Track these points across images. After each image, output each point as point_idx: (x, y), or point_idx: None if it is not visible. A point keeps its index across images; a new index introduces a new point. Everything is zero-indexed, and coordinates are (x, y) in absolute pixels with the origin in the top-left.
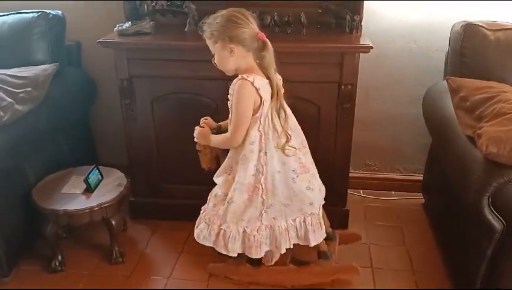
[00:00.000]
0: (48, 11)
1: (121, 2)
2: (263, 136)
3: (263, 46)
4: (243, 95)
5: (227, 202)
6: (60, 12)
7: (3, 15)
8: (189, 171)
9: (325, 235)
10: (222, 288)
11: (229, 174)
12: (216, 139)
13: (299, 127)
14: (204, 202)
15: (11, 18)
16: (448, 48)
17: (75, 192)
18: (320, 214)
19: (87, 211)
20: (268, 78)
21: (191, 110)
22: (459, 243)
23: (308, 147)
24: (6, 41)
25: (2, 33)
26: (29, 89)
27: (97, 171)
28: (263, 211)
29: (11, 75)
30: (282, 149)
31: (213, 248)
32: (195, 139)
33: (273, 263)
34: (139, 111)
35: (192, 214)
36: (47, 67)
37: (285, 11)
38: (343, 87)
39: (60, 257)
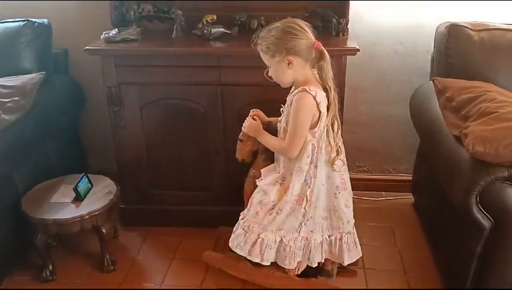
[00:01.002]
0: (33, 20)
1: (107, 9)
2: (316, 149)
3: (321, 56)
4: (303, 107)
5: (276, 212)
6: (46, 20)
7: None
8: (179, 177)
9: (360, 255)
10: None
11: (281, 184)
12: (269, 139)
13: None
14: (195, 207)
15: None
16: (434, 49)
17: (65, 201)
18: (355, 233)
19: (77, 219)
20: (325, 89)
21: (179, 115)
22: (449, 241)
23: (347, 164)
24: None
25: None
26: (17, 98)
27: (86, 179)
28: (303, 223)
29: None
30: (332, 163)
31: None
32: (243, 129)
33: (299, 273)
34: (127, 118)
35: (183, 220)
36: (34, 76)
37: (272, 16)
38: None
39: (50, 267)
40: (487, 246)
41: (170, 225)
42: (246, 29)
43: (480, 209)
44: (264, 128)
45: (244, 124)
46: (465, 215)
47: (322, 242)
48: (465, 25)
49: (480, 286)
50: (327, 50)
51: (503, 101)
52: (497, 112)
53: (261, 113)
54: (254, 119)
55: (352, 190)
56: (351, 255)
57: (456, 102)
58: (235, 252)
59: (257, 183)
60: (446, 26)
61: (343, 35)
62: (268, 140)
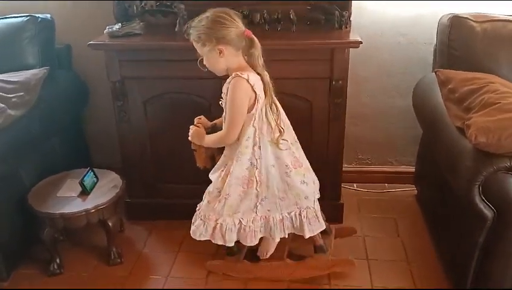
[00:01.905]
0: (36, 15)
1: (110, 3)
2: (257, 131)
3: (251, 44)
4: (238, 92)
5: (224, 198)
6: (49, 15)
7: None
8: (183, 170)
9: (323, 227)
10: (220, 288)
11: (223, 170)
12: (210, 139)
13: (289, 122)
14: (200, 200)
15: (0, 23)
16: (436, 41)
17: (71, 195)
18: (317, 207)
19: (83, 213)
20: (258, 74)
21: (183, 109)
22: (451, 232)
23: (299, 142)
24: None
25: None
26: (21, 93)
27: (92, 173)
28: (258, 203)
29: (2, 80)
30: (276, 143)
31: (211, 245)
32: (189, 139)
33: (267, 257)
34: (131, 112)
35: (188, 213)
36: (38, 71)
37: (274, 9)
38: (334, 82)
39: (58, 260)
40: (490, 236)
41: (175, 218)
42: (249, 23)
43: (483, 200)
44: (208, 133)
45: (189, 134)
46: (467, 206)
47: (282, 219)
48: (468, 16)
49: (483, 276)
50: (330, 43)
51: (506, 92)
52: (500, 102)
53: (204, 119)
54: (197, 126)
55: (355, 182)
56: (311, 228)
57: (458, 93)
58: (231, 255)
59: (209, 176)
60: (448, 18)
61: (346, 28)
62: (209, 139)
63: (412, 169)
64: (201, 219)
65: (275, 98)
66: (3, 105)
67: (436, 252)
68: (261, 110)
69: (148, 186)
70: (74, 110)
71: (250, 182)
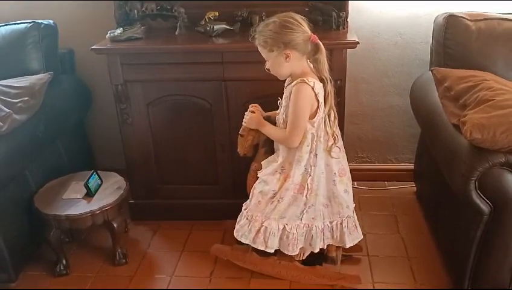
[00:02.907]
0: (40, 21)
1: (111, 8)
2: (315, 138)
3: (317, 49)
4: (302, 98)
5: (277, 201)
6: (52, 21)
7: None
8: (186, 171)
9: (361, 237)
10: (224, 287)
11: (280, 173)
12: (271, 129)
13: (339, 131)
14: (202, 200)
15: (4, 29)
16: (432, 40)
17: (76, 197)
18: (355, 216)
19: (89, 214)
20: (322, 80)
21: (185, 111)
22: (450, 227)
23: (345, 151)
24: (1, 52)
25: None
26: (26, 98)
27: (96, 175)
28: (304, 211)
29: (7, 85)
30: (329, 151)
31: (215, 243)
32: (244, 123)
33: (304, 258)
34: (134, 115)
35: (192, 213)
36: (42, 76)
37: (273, 11)
38: (332, 82)
39: (64, 261)
40: (487, 230)
41: (179, 219)
42: (248, 25)
43: (479, 195)
44: None
45: (244, 119)
46: (464, 201)
47: (323, 229)
48: (463, 15)
49: (481, 270)
50: (328, 43)
51: (500, 89)
52: (494, 99)
53: (259, 107)
54: (253, 112)
55: (356, 180)
56: (351, 237)
57: (454, 91)
58: (241, 244)
59: (258, 175)
60: (444, 17)
61: (343, 29)
62: (270, 130)
63: (412, 166)
64: (247, 219)
65: (333, 106)
66: (9, 110)
67: (435, 247)
68: (322, 117)
69: (151, 187)
70: (78, 114)
71: (301, 188)
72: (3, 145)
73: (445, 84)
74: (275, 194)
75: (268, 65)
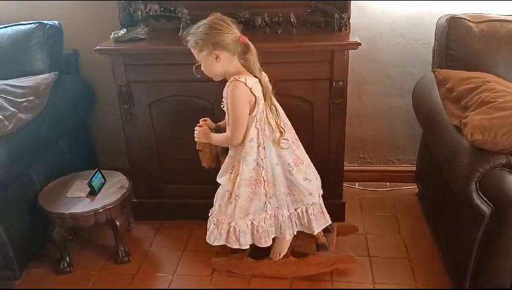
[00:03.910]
0: (45, 22)
1: (115, 9)
2: (260, 132)
3: (246, 49)
4: (238, 95)
5: (234, 199)
6: (56, 22)
7: (2, 27)
8: (189, 170)
9: (329, 222)
10: (225, 286)
11: (231, 173)
12: (216, 137)
13: (289, 122)
14: (204, 200)
15: (10, 30)
16: (435, 41)
17: (80, 195)
18: (321, 202)
19: (92, 213)
20: (256, 77)
21: (188, 111)
22: (451, 228)
23: (299, 140)
24: (6, 52)
25: (2, 44)
26: (31, 97)
27: (100, 174)
28: (267, 202)
29: (12, 85)
30: (278, 143)
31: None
32: (195, 139)
33: (281, 257)
34: (138, 115)
35: (194, 213)
36: (47, 76)
37: (275, 12)
38: (334, 83)
39: (67, 259)
40: (488, 232)
41: (181, 218)
42: (250, 27)
43: (480, 196)
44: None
45: (195, 134)
46: (465, 202)
47: (290, 216)
48: (465, 16)
49: (482, 271)
50: (330, 45)
51: (502, 91)
52: (495, 101)
53: (208, 120)
54: (201, 126)
55: (357, 181)
56: (318, 223)
57: (456, 92)
58: (236, 253)
59: (217, 179)
60: (446, 19)
61: (345, 30)
62: (217, 138)
63: (413, 167)
64: (214, 224)
65: (274, 100)
66: (14, 109)
67: (436, 248)
68: (262, 112)
69: (154, 186)
70: (82, 113)
71: (257, 182)
72: (8, 144)
73: (447, 86)
74: (230, 194)
75: (202, 66)
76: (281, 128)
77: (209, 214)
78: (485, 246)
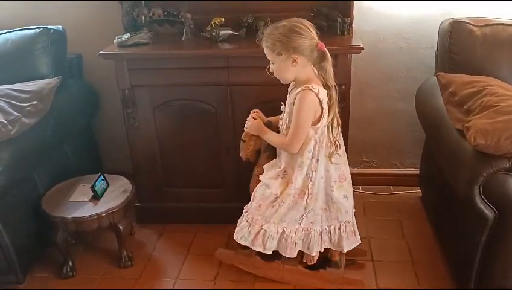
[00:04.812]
0: (49, 27)
1: (119, 14)
2: (318, 144)
3: (323, 56)
4: (306, 104)
5: (278, 205)
6: (60, 27)
7: (7, 32)
8: (192, 174)
9: (359, 242)
10: (228, 288)
11: (283, 178)
12: (271, 136)
13: (342, 136)
14: (207, 204)
15: (14, 35)
16: (437, 45)
17: (83, 199)
18: (354, 221)
19: (95, 217)
20: (327, 87)
21: (191, 115)
22: (454, 232)
23: (346, 156)
24: (11, 57)
25: (6, 49)
26: (35, 102)
27: (103, 178)
28: (304, 215)
29: (16, 89)
30: (330, 157)
31: (219, 247)
32: (245, 129)
33: (315, 262)
34: (141, 119)
35: (197, 216)
36: (50, 81)
37: (278, 16)
38: (337, 87)
39: (70, 263)
40: (491, 235)
41: (184, 222)
42: (253, 31)
43: (484, 200)
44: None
45: (246, 124)
46: (469, 207)
47: (321, 233)
48: (468, 20)
49: (486, 275)
50: (332, 49)
51: (505, 95)
52: (498, 105)
53: (261, 113)
54: (255, 118)
55: (360, 185)
56: (349, 242)
57: (459, 96)
58: (245, 249)
59: (260, 178)
60: (449, 23)
61: (348, 34)
62: (271, 137)
63: (417, 171)
64: (247, 221)
65: (337, 113)
66: (18, 114)
67: (440, 253)
68: (325, 126)
69: (157, 190)
70: (85, 118)
71: (301, 193)
72: (12, 149)
73: (450, 90)
74: (276, 198)
75: (273, 68)
76: (338, 143)
77: (244, 211)
78: (489, 250)
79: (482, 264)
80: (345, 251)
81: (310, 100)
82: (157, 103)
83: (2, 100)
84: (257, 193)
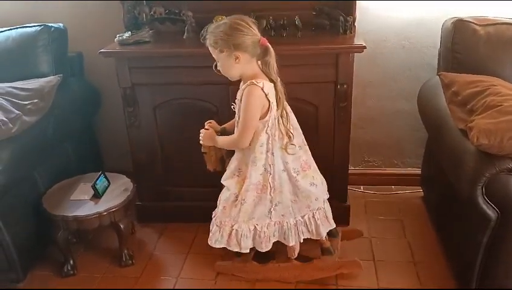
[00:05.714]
0: (50, 25)
1: (120, 12)
2: (270, 137)
3: (266, 52)
4: (252, 99)
5: (240, 203)
6: (61, 25)
7: (8, 30)
8: (193, 173)
9: (333, 226)
10: (229, 288)
11: (238, 175)
12: (223, 140)
13: (299, 126)
14: (208, 203)
15: (15, 32)
16: (440, 45)
17: (84, 198)
18: (327, 207)
19: (96, 216)
20: (272, 81)
21: (192, 114)
22: (456, 232)
23: (307, 145)
24: (11, 54)
25: (7, 47)
26: (36, 100)
27: (104, 177)
28: (272, 209)
29: (17, 87)
30: (285, 148)
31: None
32: (201, 142)
33: (296, 255)
34: (142, 118)
35: (198, 216)
36: (51, 79)
37: (280, 15)
38: (339, 86)
39: (71, 262)
40: (494, 236)
41: (185, 221)
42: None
43: (486, 201)
44: (218, 135)
45: (200, 137)
46: (471, 207)
47: (296, 224)
48: (471, 20)
49: (488, 276)
50: (334, 48)
51: (508, 95)
52: (502, 105)
53: (214, 123)
54: (207, 129)
55: (362, 184)
56: (324, 228)
57: (462, 96)
58: (239, 256)
59: (221, 182)
60: (452, 22)
61: (351, 33)
62: (222, 141)
63: (419, 171)
64: (217, 226)
65: (286, 105)
66: (18, 112)
67: (442, 252)
68: (274, 118)
69: (158, 189)
70: (86, 116)
71: (264, 187)
72: (12, 147)
73: (453, 89)
74: (236, 197)
75: (219, 66)
76: (290, 134)
77: (213, 216)
78: (491, 251)
79: (484, 265)
80: (323, 237)
81: (256, 95)
82: (158, 102)
83: (3, 98)
84: (221, 197)
